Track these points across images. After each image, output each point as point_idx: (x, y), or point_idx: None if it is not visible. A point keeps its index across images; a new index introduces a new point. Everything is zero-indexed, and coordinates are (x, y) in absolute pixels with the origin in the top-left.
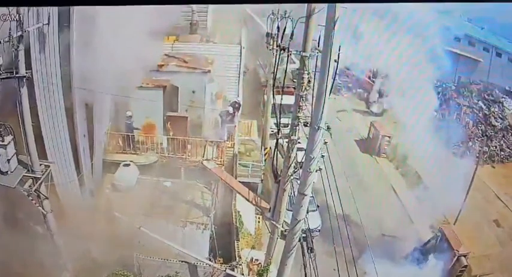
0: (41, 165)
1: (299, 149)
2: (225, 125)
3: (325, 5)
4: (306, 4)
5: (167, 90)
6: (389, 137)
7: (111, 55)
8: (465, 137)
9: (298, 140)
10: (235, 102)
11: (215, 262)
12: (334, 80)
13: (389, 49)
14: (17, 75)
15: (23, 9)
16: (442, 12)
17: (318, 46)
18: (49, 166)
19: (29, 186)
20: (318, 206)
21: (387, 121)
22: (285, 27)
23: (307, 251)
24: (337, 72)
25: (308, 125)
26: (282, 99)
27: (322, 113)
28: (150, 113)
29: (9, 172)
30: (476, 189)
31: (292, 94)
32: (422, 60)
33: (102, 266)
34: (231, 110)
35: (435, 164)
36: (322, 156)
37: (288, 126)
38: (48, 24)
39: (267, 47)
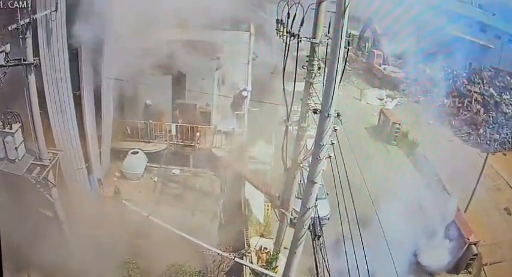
0: (48, 152)
1: (309, 136)
2: (234, 112)
3: None
4: None
5: (175, 77)
6: (399, 124)
7: (119, 41)
8: (476, 124)
9: (308, 127)
10: (244, 89)
11: (224, 250)
12: (344, 67)
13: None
14: (24, 63)
15: None
16: None
17: (328, 33)
18: (57, 154)
19: (37, 174)
20: (327, 194)
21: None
22: (295, 14)
23: (315, 238)
24: (348, 58)
25: (318, 112)
26: (294, 86)
27: (332, 99)
28: (158, 100)
29: (17, 160)
30: (487, 177)
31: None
32: (434, 46)
33: (110, 254)
34: (245, 93)
35: (446, 152)
36: (332, 144)
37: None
38: (56, 10)
39: (277, 34)
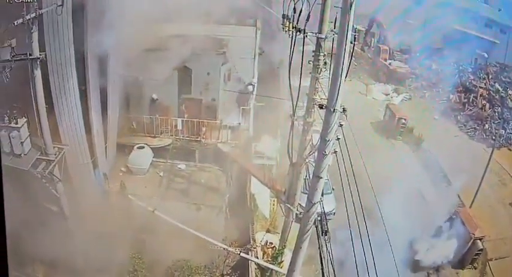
0: (54, 147)
1: (314, 131)
2: (240, 107)
3: None
4: None
5: (181, 72)
6: (405, 119)
7: (124, 36)
8: (482, 119)
9: (314, 123)
10: (250, 83)
11: (229, 245)
12: (350, 62)
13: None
14: (30, 57)
15: None
16: None
17: (334, 28)
18: (63, 148)
19: (43, 169)
20: (333, 189)
21: (403, 103)
22: (301, 9)
23: (322, 234)
24: (354, 53)
25: (323, 107)
26: (300, 81)
27: (338, 95)
28: (164, 95)
29: (22, 155)
30: (493, 172)
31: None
32: (440, 41)
33: (116, 249)
34: (251, 88)
35: (451, 147)
36: (338, 139)
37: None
38: (62, 5)
39: (283, 29)
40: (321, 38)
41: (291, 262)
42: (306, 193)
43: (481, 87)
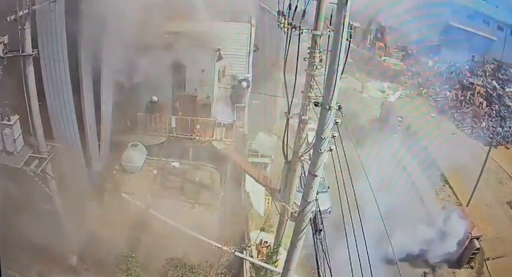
0: (47, 145)
1: (310, 129)
2: (235, 104)
3: None
4: None
5: (175, 69)
6: (401, 117)
7: (119, 33)
8: (479, 117)
9: (310, 120)
10: (245, 79)
11: (224, 244)
12: (346, 59)
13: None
14: (23, 54)
15: None
16: None
17: (330, 24)
18: (56, 146)
19: (35, 167)
20: (328, 187)
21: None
22: (297, 5)
23: (317, 233)
24: (350, 51)
25: (319, 104)
26: (296, 78)
27: (334, 92)
28: (158, 92)
29: (15, 153)
30: (490, 171)
31: None
32: (437, 38)
33: (109, 248)
34: (245, 85)
35: (448, 145)
36: (333, 137)
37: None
38: (55, 1)
39: (279, 26)
40: (317, 34)
41: (286, 260)
42: (301, 192)
43: (478, 85)
